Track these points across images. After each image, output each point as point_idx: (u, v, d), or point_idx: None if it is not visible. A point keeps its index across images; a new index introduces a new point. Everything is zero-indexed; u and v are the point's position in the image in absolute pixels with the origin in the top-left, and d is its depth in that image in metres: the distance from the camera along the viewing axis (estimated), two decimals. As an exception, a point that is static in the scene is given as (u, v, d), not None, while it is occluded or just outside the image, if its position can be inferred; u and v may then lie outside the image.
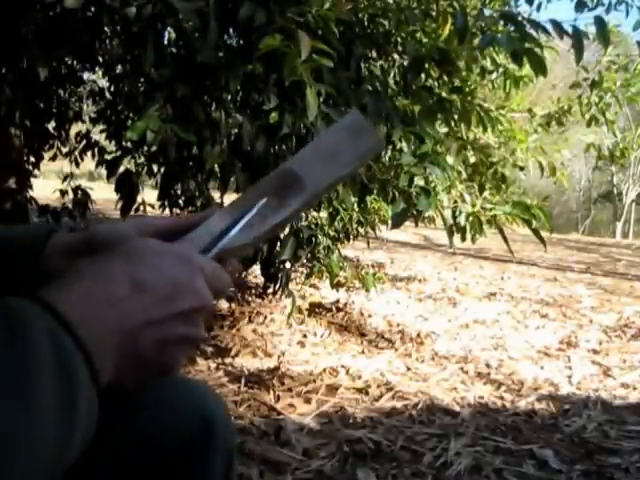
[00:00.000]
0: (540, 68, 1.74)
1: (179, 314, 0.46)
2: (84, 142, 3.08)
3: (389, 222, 2.13)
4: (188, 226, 0.56)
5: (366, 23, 2.22)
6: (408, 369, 2.39)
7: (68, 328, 0.38)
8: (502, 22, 1.96)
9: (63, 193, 3.21)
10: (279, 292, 2.52)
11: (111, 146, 2.70)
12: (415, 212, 1.90)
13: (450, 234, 1.90)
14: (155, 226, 0.56)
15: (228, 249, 0.55)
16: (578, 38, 1.64)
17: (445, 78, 2.32)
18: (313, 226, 2.40)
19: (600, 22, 1.68)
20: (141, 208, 2.57)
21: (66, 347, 0.37)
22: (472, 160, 2.85)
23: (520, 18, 1.78)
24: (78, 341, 0.38)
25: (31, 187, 3.17)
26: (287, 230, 2.27)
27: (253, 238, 0.57)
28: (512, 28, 1.76)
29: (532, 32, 1.76)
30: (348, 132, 0.61)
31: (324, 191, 0.62)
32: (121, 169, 2.32)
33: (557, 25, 1.67)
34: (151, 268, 0.45)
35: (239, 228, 0.55)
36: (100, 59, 2.71)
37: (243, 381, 2.10)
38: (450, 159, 2.13)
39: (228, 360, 2.32)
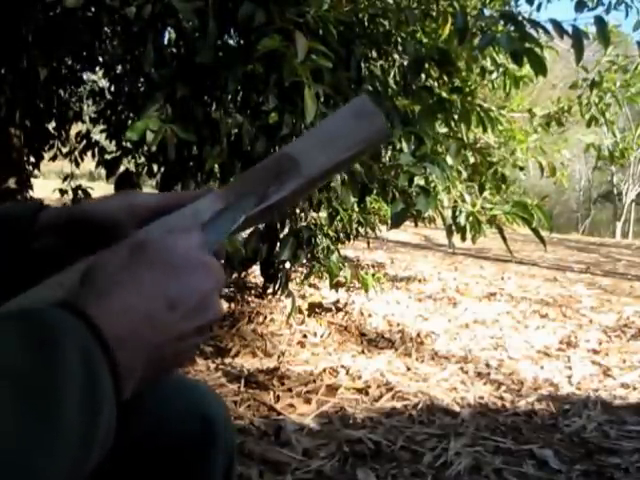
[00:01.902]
0: (540, 68, 1.74)
1: (200, 328, 0.47)
2: (84, 142, 3.07)
3: (389, 222, 2.13)
4: (176, 206, 0.56)
5: (366, 23, 2.22)
6: (408, 369, 2.39)
7: (103, 346, 0.38)
8: (502, 22, 1.96)
9: (63, 193, 3.20)
10: (279, 292, 2.52)
11: (111, 146, 2.70)
12: (415, 212, 1.90)
13: (449, 234, 1.90)
14: (145, 207, 0.56)
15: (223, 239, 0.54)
16: (578, 38, 1.64)
17: (445, 78, 2.32)
18: (313, 226, 2.40)
19: (600, 22, 1.68)
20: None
21: (97, 369, 0.37)
22: (472, 160, 2.84)
23: (520, 18, 1.77)
24: (111, 362, 0.39)
25: (31, 187, 3.17)
26: (287, 230, 2.27)
27: (244, 222, 0.56)
28: (512, 28, 1.76)
29: (532, 32, 1.76)
30: (352, 116, 0.59)
31: (322, 175, 0.59)
32: (121, 169, 2.32)
33: (557, 25, 1.66)
34: (182, 283, 0.46)
35: (233, 218, 0.54)
36: (100, 59, 2.71)
37: (243, 381, 2.10)
38: (450, 159, 2.13)
39: (228, 360, 2.32)
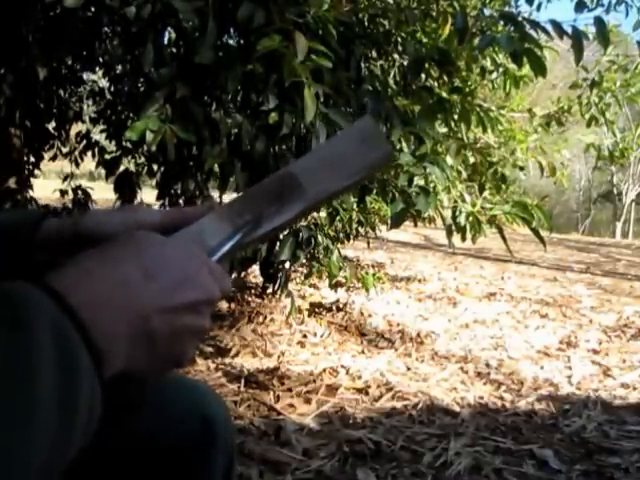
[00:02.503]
0: (540, 68, 1.74)
1: (189, 304, 0.45)
2: (84, 142, 3.08)
3: (389, 222, 2.13)
4: (180, 222, 0.55)
5: (366, 23, 2.22)
6: (408, 369, 2.39)
7: (73, 316, 0.37)
8: (502, 22, 1.96)
9: (63, 193, 3.20)
10: (278, 292, 2.52)
11: (111, 146, 2.70)
12: (415, 212, 1.90)
13: (449, 234, 1.90)
14: (149, 223, 0.55)
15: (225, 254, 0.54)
16: (578, 39, 1.64)
17: (445, 78, 2.32)
18: (312, 226, 2.40)
19: (600, 23, 1.68)
20: (141, 208, 2.57)
21: (68, 338, 0.36)
22: (472, 160, 2.84)
23: (520, 18, 1.77)
24: (83, 330, 0.37)
25: (31, 187, 3.17)
26: (286, 230, 2.27)
27: (247, 242, 0.56)
28: (512, 28, 1.76)
29: (532, 32, 1.76)
30: (357, 140, 0.58)
31: (325, 200, 0.59)
32: (121, 169, 2.32)
33: (557, 25, 1.66)
34: (160, 258, 0.45)
35: (235, 239, 0.55)
36: (100, 59, 2.71)
37: (243, 381, 2.10)
38: (450, 159, 2.13)
39: (228, 360, 2.32)
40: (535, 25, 1.75)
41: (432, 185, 1.96)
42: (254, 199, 0.57)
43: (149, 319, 0.42)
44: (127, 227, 0.54)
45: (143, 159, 2.48)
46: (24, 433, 0.32)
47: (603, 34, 1.67)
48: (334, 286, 2.73)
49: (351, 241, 3.53)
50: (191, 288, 0.46)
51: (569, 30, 1.66)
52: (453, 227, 1.94)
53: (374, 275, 3.33)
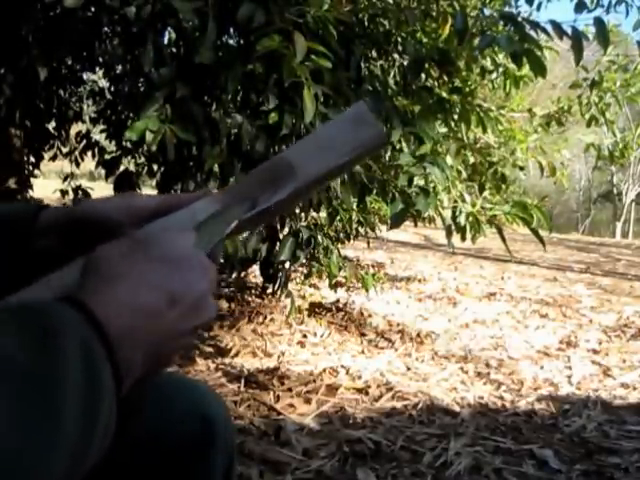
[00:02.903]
0: (540, 69, 1.73)
1: (195, 328, 0.47)
2: (84, 142, 3.08)
3: (389, 222, 2.13)
4: (176, 208, 0.56)
5: (366, 23, 2.22)
6: (408, 369, 2.39)
7: (104, 341, 0.38)
8: (502, 22, 1.96)
9: (63, 193, 3.20)
10: (278, 292, 2.52)
11: (111, 146, 2.70)
12: (415, 212, 1.90)
13: (449, 235, 1.90)
14: (144, 208, 0.56)
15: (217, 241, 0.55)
16: (577, 39, 1.64)
17: (445, 78, 2.32)
18: (313, 226, 2.40)
19: (600, 23, 1.67)
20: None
21: (97, 362, 0.37)
22: (472, 160, 2.84)
23: (520, 19, 1.77)
24: (111, 356, 0.39)
25: (31, 187, 3.17)
26: (286, 231, 2.27)
27: (241, 226, 0.57)
28: (512, 29, 1.76)
29: (532, 33, 1.76)
30: (349, 123, 0.59)
31: (318, 180, 0.60)
32: (121, 169, 2.32)
33: (557, 26, 1.66)
34: (182, 281, 0.46)
35: (224, 223, 0.55)
36: (100, 59, 2.71)
37: (243, 381, 2.10)
38: (449, 159, 2.13)
39: (228, 360, 2.32)
40: (535, 26, 1.75)
41: (432, 185, 1.96)
42: (247, 184, 0.58)
43: (163, 344, 0.44)
44: (126, 215, 0.55)
45: (143, 159, 2.48)
46: (48, 441, 0.33)
47: (603, 35, 1.67)
48: (334, 286, 2.73)
49: (351, 241, 3.53)
50: (201, 313, 0.47)
51: (569, 30, 1.66)
52: (453, 227, 1.94)
53: (374, 275, 3.33)
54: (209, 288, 0.48)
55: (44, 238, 0.56)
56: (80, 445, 0.35)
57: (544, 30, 1.74)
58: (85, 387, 0.35)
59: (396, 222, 1.81)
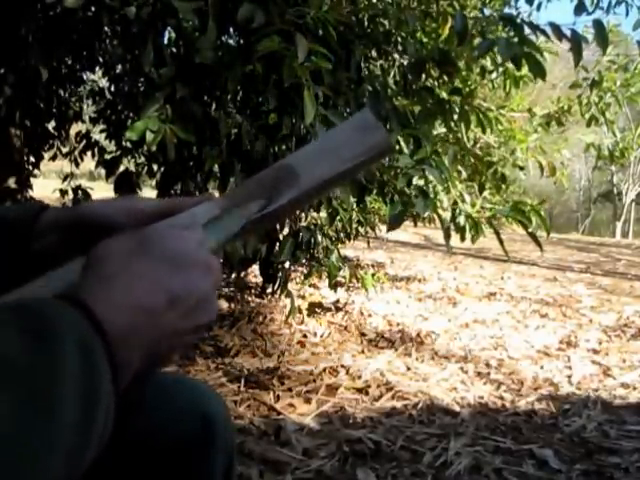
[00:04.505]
0: (539, 72, 1.73)
1: (197, 327, 0.47)
2: (84, 142, 3.08)
3: (388, 222, 2.13)
4: (177, 212, 0.55)
5: (366, 23, 2.22)
6: (408, 369, 2.39)
7: (103, 339, 0.38)
8: (501, 24, 1.96)
9: (63, 193, 3.20)
10: (278, 292, 2.52)
11: (111, 146, 2.70)
12: (414, 213, 1.90)
13: (447, 237, 1.89)
14: (146, 211, 0.56)
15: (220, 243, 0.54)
16: (577, 42, 1.64)
17: (445, 78, 2.32)
18: (312, 226, 2.40)
19: (599, 26, 1.67)
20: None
21: (95, 361, 0.37)
22: (472, 160, 2.84)
23: (519, 20, 1.77)
24: (110, 355, 0.38)
25: (31, 187, 3.17)
26: (286, 231, 2.27)
27: (242, 231, 0.56)
28: (511, 32, 1.75)
29: (531, 34, 1.76)
30: (354, 130, 0.59)
31: (321, 187, 0.59)
32: (121, 169, 2.32)
33: (556, 28, 1.66)
34: (184, 280, 0.46)
35: (230, 226, 0.55)
36: (100, 59, 2.71)
37: (243, 381, 2.10)
38: (447, 161, 2.13)
39: (228, 360, 2.32)
40: (534, 28, 1.74)
41: (432, 185, 1.96)
42: (250, 189, 0.58)
43: (162, 342, 0.44)
44: (127, 216, 0.55)
45: (143, 159, 2.48)
46: (47, 444, 0.33)
47: (602, 37, 1.67)
48: (334, 286, 2.73)
49: (351, 241, 3.53)
50: (203, 313, 0.47)
51: (568, 32, 1.66)
52: (452, 228, 1.94)
53: (374, 275, 3.34)
54: (212, 288, 0.48)
55: (44, 239, 0.56)
56: (78, 443, 0.35)
57: (543, 32, 1.74)
58: (83, 386, 0.35)
59: (394, 224, 1.81)
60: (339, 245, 3.02)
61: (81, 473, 0.37)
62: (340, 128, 0.63)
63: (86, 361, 0.36)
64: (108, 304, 0.40)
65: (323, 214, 2.63)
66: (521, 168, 3.61)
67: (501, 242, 1.86)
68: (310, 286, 3.46)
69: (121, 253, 0.45)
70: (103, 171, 2.51)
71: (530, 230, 1.79)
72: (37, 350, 0.34)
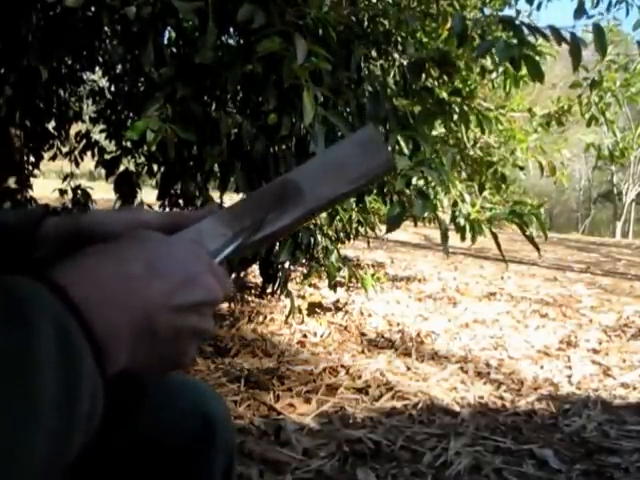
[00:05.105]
0: (538, 74, 1.73)
1: (193, 304, 0.45)
2: (84, 142, 3.08)
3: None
4: (181, 225, 0.55)
5: (366, 23, 2.22)
6: (408, 369, 2.39)
7: (76, 311, 0.37)
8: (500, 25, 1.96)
9: (63, 193, 3.20)
10: (277, 292, 2.52)
11: (111, 146, 2.70)
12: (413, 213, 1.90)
13: (444, 239, 1.89)
14: (149, 225, 0.55)
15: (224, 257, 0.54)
16: (576, 45, 1.63)
17: (445, 78, 2.32)
18: (312, 226, 2.40)
19: (598, 31, 1.67)
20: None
21: (71, 335, 0.36)
22: (472, 160, 2.85)
23: (518, 22, 1.77)
24: (86, 325, 0.37)
25: (31, 187, 3.17)
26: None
27: (245, 247, 0.56)
28: (511, 33, 1.75)
29: (530, 36, 1.76)
30: (358, 147, 0.59)
31: (324, 206, 0.60)
32: (120, 169, 2.33)
33: (555, 31, 1.66)
34: (166, 256, 0.45)
35: (234, 243, 0.55)
36: (100, 59, 2.71)
37: (243, 381, 2.10)
38: (447, 164, 2.12)
39: (228, 360, 2.33)
40: (534, 30, 1.74)
41: (432, 185, 1.96)
42: (254, 204, 0.58)
43: (152, 316, 0.42)
44: (127, 227, 0.54)
45: (143, 159, 2.48)
46: (26, 431, 0.32)
47: (602, 42, 1.67)
48: (333, 287, 2.73)
49: (351, 241, 3.53)
50: (196, 288, 0.46)
51: (567, 35, 1.65)
52: (452, 228, 1.94)
53: (373, 275, 3.33)
54: (201, 269, 0.47)
55: (44, 247, 0.56)
56: (62, 427, 0.34)
57: (543, 35, 1.74)
58: (62, 367, 0.34)
59: (392, 225, 1.81)
60: (339, 245, 3.01)
61: (71, 456, 0.36)
62: (344, 144, 0.63)
63: (62, 342, 0.35)
64: (80, 280, 0.39)
65: (323, 214, 2.63)
66: (521, 168, 3.61)
67: (499, 246, 1.87)
68: (310, 286, 3.46)
69: (101, 246, 0.45)
70: (103, 171, 2.51)
71: (529, 232, 1.79)
72: (9, 334, 0.33)
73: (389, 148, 1.74)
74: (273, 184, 0.59)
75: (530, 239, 1.80)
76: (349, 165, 0.58)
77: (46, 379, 0.33)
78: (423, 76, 2.17)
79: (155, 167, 2.36)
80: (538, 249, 1.85)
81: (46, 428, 0.33)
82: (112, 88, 2.75)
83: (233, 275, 2.75)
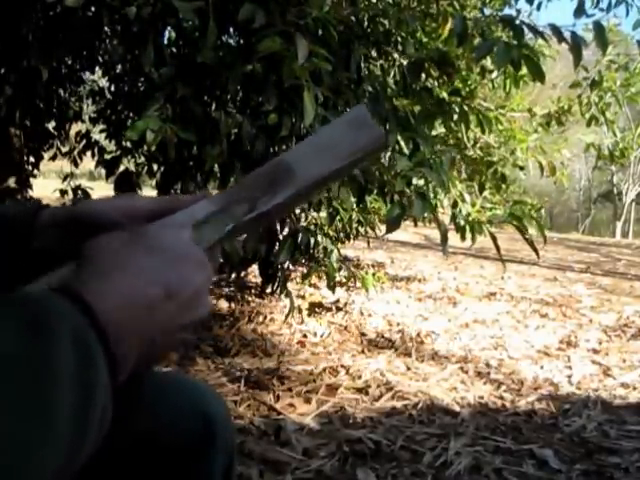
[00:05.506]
0: (538, 74, 1.73)
1: (190, 323, 0.47)
2: (84, 142, 3.08)
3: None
4: (174, 210, 0.55)
5: (366, 23, 2.22)
6: (408, 369, 2.39)
7: (99, 333, 0.38)
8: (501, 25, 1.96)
9: (63, 193, 3.20)
10: (277, 292, 2.52)
11: (111, 146, 2.70)
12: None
13: (444, 241, 1.89)
14: (143, 209, 0.56)
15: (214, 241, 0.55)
16: (576, 44, 1.64)
17: (445, 78, 2.32)
18: (313, 226, 2.40)
19: (599, 28, 1.67)
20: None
21: (91, 354, 0.37)
22: (471, 160, 2.85)
23: (518, 22, 1.77)
24: (106, 348, 0.38)
25: (31, 187, 3.17)
26: (286, 231, 2.27)
27: (238, 229, 0.57)
28: (511, 33, 1.75)
29: (530, 35, 1.76)
30: (349, 126, 0.59)
31: (317, 184, 0.60)
32: (121, 169, 2.33)
33: (556, 30, 1.66)
34: (180, 274, 0.46)
35: (228, 225, 0.55)
36: (100, 59, 2.71)
37: (243, 381, 2.10)
38: (446, 165, 2.12)
39: (228, 360, 2.32)
40: (534, 31, 1.74)
41: (432, 185, 1.96)
42: (247, 186, 0.58)
43: (159, 337, 0.44)
44: (125, 215, 0.55)
45: (143, 159, 2.48)
46: (41, 438, 0.32)
47: (602, 40, 1.67)
48: (332, 287, 2.73)
49: (351, 241, 3.53)
50: (197, 308, 0.47)
51: (568, 34, 1.65)
52: (452, 227, 1.94)
53: (374, 275, 3.34)
54: (205, 284, 0.48)
55: (43, 237, 0.56)
56: (74, 439, 0.35)
57: (543, 35, 1.74)
58: (79, 380, 0.35)
59: (392, 226, 1.81)
60: (339, 245, 3.01)
61: (78, 466, 0.37)
62: (335, 124, 0.63)
63: (82, 355, 0.36)
64: (104, 296, 0.40)
65: (323, 214, 2.63)
66: (521, 168, 3.61)
67: (497, 247, 1.87)
68: (310, 286, 3.46)
69: (114, 247, 0.45)
70: (103, 171, 2.51)
71: (528, 235, 1.79)
72: (31, 345, 0.34)
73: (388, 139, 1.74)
74: (265, 167, 0.59)
75: (529, 242, 1.80)
76: (341, 143, 0.58)
77: (64, 389, 0.34)
78: (423, 76, 2.17)
79: (155, 167, 2.36)
80: (537, 252, 1.85)
81: (61, 437, 0.34)
82: (112, 88, 2.75)
83: (233, 275, 2.75)
